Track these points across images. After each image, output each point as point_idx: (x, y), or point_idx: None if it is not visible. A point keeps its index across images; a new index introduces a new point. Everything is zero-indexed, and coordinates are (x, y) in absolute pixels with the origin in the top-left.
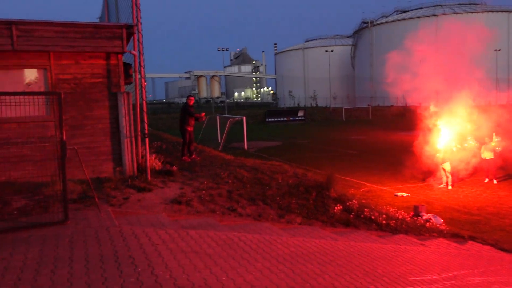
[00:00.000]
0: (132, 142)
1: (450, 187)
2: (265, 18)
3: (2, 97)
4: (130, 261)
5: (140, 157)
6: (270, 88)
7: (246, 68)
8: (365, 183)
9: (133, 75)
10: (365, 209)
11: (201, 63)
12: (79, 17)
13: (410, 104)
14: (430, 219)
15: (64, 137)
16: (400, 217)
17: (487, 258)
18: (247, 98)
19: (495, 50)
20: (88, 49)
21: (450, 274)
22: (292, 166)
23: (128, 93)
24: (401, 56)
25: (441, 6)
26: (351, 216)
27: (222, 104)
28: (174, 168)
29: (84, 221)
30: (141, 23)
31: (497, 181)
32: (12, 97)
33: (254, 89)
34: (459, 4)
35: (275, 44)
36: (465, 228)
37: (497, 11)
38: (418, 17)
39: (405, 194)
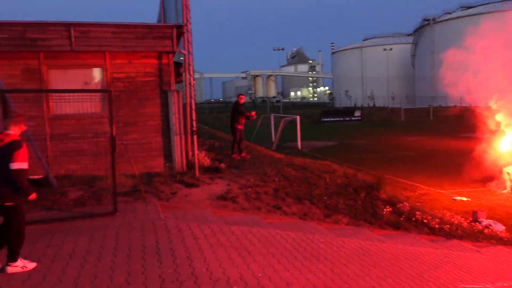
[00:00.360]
0: (182, 139)
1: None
2: (322, 17)
3: (62, 94)
4: (171, 253)
5: (189, 153)
6: (326, 88)
7: (303, 68)
8: (421, 185)
9: (183, 74)
10: (417, 212)
11: (257, 63)
12: (137, 18)
13: (472, 104)
14: (490, 225)
15: (114, 132)
16: (456, 222)
17: None
18: (303, 98)
19: None
20: (140, 48)
21: (505, 284)
22: (342, 166)
23: (178, 91)
24: (463, 54)
25: (509, 0)
26: (401, 218)
27: (278, 104)
28: (222, 165)
29: (132, 214)
30: (190, 23)
31: None
32: (71, 94)
33: (310, 88)
34: None
35: (332, 43)
36: None
37: None
38: (484, 13)
39: (464, 199)
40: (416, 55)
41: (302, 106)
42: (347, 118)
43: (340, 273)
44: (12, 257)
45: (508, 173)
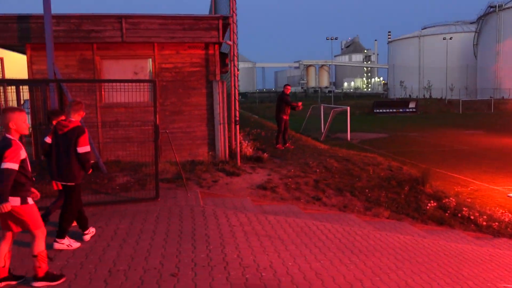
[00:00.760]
0: (225, 128)
1: None
2: (380, 5)
3: (113, 84)
4: (205, 239)
5: (232, 143)
6: (381, 78)
7: (357, 57)
8: (474, 181)
9: (229, 64)
10: (464, 208)
11: (310, 52)
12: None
13: None
14: None
15: (161, 121)
16: (507, 219)
17: None
18: (356, 88)
19: None
20: (187, 39)
21: None
22: (387, 159)
23: (223, 82)
24: None
25: None
26: (446, 214)
27: (330, 94)
28: (265, 155)
29: (173, 200)
30: (236, 14)
31: None
32: (121, 84)
33: (364, 79)
34: None
35: (389, 32)
36: None
37: None
38: None
39: None
40: (479, 44)
41: (355, 96)
42: (401, 110)
43: (373, 266)
44: (61, 234)
45: None
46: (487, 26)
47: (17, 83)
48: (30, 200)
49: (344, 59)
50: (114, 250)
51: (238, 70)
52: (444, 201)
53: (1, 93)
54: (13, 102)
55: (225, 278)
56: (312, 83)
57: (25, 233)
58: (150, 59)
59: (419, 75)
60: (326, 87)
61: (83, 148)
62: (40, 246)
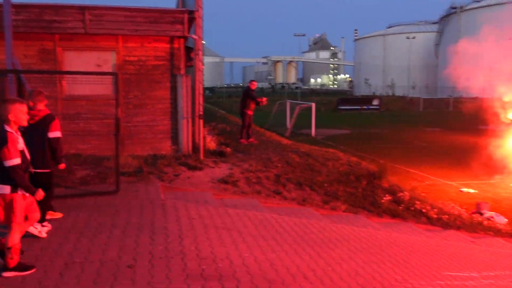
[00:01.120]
0: (189, 122)
1: None
2: (347, 3)
3: (74, 76)
4: (164, 232)
5: (196, 137)
6: (347, 76)
7: (324, 54)
8: (430, 176)
9: (194, 58)
10: (417, 202)
11: (278, 48)
12: (155, 2)
13: (490, 97)
14: (492, 217)
15: (124, 114)
16: (456, 212)
17: None
18: (323, 85)
19: None
20: (152, 32)
21: (491, 274)
22: (347, 154)
23: (187, 76)
24: (484, 44)
25: None
26: (400, 207)
27: (297, 90)
28: (228, 149)
29: (133, 193)
30: (202, 9)
31: None
32: (83, 76)
33: (331, 76)
34: None
35: (356, 30)
36: None
37: None
38: None
39: (472, 191)
40: (440, 44)
41: (321, 93)
42: (365, 107)
43: (326, 257)
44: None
45: None
46: (448, 27)
47: None
48: (20, 191)
49: (312, 55)
50: (71, 243)
51: (203, 64)
52: (398, 195)
53: None
54: None
55: (182, 269)
56: (280, 79)
57: None
58: (114, 52)
59: (383, 73)
60: (294, 83)
61: (54, 133)
62: (15, 239)
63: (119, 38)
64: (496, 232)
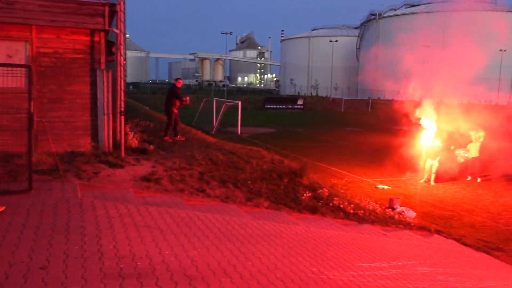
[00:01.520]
0: (109, 119)
1: (432, 183)
2: (274, 3)
3: None
4: (80, 231)
5: (117, 134)
6: (274, 75)
7: (252, 53)
8: (349, 173)
9: (115, 53)
10: (335, 198)
11: (205, 45)
12: None
13: (404, 99)
14: (403, 212)
15: (38, 109)
16: (371, 207)
17: (446, 251)
18: (250, 84)
19: (500, 50)
20: (69, 24)
21: (399, 263)
22: (270, 152)
23: (108, 71)
24: (404, 50)
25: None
26: (320, 203)
27: (224, 88)
28: (151, 147)
29: (48, 192)
30: (124, 2)
31: (481, 180)
32: None
33: (258, 75)
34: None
35: (282, 31)
36: (436, 222)
37: (507, 11)
38: (427, 12)
39: (386, 187)
40: (361, 48)
41: (248, 92)
42: (290, 106)
43: (247, 252)
44: None
45: (431, 165)
46: (368, 32)
47: None
48: None
49: (239, 54)
50: None
51: (125, 60)
52: (318, 191)
53: None
54: None
55: (99, 269)
56: (207, 77)
57: None
58: (27, 42)
59: (308, 73)
60: (221, 81)
61: None
62: None
63: (33, 28)
64: (406, 225)
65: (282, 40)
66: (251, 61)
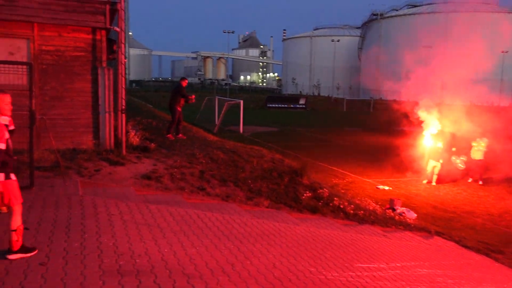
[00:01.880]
0: (111, 116)
1: (433, 184)
2: (276, 2)
3: None
4: (80, 228)
5: (119, 131)
6: (276, 74)
7: (254, 52)
8: (350, 174)
9: (117, 51)
10: (335, 198)
11: (207, 44)
12: None
13: (406, 99)
14: (404, 212)
15: (39, 106)
16: (371, 208)
17: (445, 253)
18: (252, 83)
19: (503, 52)
20: (70, 22)
21: (398, 264)
22: (271, 151)
23: (109, 69)
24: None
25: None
26: (320, 203)
27: (226, 87)
28: (152, 145)
29: (49, 189)
30: (124, 1)
31: (483, 182)
32: None
33: (260, 74)
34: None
35: (284, 30)
36: (437, 224)
37: (510, 12)
38: (429, 13)
39: (387, 188)
40: (363, 48)
41: (250, 90)
42: (292, 105)
43: (246, 250)
44: None
45: (433, 167)
46: (370, 32)
47: None
48: (13, 176)
49: (241, 53)
50: None
51: (126, 58)
52: (318, 191)
53: None
54: None
55: (98, 266)
56: (210, 75)
57: None
58: (29, 40)
59: (310, 73)
60: (223, 80)
61: None
62: (18, 220)
63: (35, 25)
64: (406, 226)
65: (284, 39)
66: (253, 60)
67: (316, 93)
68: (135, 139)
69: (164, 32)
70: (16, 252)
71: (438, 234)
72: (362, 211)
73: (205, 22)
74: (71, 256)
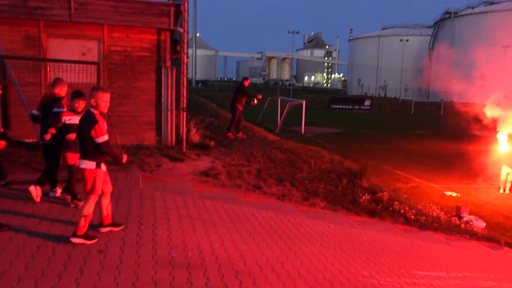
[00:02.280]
0: (173, 114)
1: (507, 192)
2: (342, 2)
3: (59, 63)
4: (138, 219)
5: (180, 129)
6: (341, 75)
7: (319, 53)
8: (415, 178)
9: (180, 51)
10: (396, 202)
11: (272, 45)
12: None
13: (480, 103)
14: (471, 221)
15: None
16: (434, 214)
17: None
18: (316, 83)
19: None
20: (137, 24)
21: (460, 274)
22: (330, 153)
23: (172, 68)
24: (480, 51)
25: None
26: (379, 207)
27: (290, 87)
28: (211, 142)
29: (112, 181)
30: (188, 2)
31: None
32: (68, 64)
33: (324, 74)
34: None
35: (351, 30)
36: (508, 234)
37: None
38: (509, 10)
39: (454, 194)
40: (433, 48)
41: (314, 91)
42: (357, 107)
43: (297, 250)
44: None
45: (508, 173)
46: (442, 31)
47: None
48: (103, 167)
49: (306, 53)
50: (45, 227)
51: (187, 58)
52: (378, 195)
53: None
54: None
55: (151, 256)
56: (274, 75)
57: None
58: (99, 41)
59: (376, 74)
60: (287, 80)
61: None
62: (90, 208)
63: (105, 27)
64: (472, 235)
65: (350, 40)
66: (318, 61)
67: (382, 95)
68: (195, 137)
69: (230, 33)
70: (79, 237)
71: (509, 245)
72: (424, 217)
73: (271, 23)
74: (127, 245)
